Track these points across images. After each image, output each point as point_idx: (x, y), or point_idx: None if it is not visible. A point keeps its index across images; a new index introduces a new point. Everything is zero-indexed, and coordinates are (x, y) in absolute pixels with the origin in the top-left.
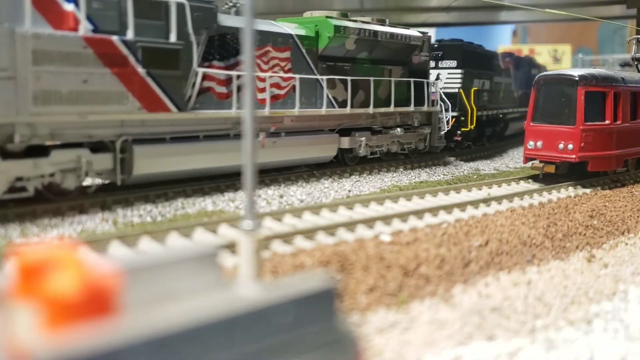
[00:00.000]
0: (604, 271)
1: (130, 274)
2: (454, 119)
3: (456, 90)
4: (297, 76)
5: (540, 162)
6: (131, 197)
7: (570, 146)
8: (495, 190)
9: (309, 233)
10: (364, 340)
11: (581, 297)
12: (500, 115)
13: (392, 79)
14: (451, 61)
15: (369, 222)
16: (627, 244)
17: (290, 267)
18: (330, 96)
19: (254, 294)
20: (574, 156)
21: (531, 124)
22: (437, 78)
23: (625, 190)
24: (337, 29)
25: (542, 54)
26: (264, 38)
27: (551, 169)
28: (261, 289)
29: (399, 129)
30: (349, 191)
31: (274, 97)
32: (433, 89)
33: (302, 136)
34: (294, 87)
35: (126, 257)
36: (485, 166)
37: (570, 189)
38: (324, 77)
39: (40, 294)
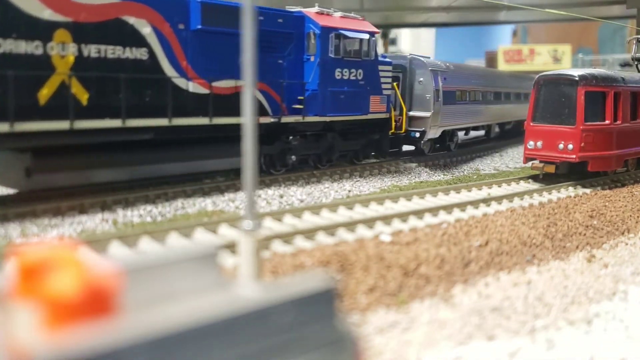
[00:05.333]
0: (604, 271)
1: (130, 274)
2: None
3: None
4: None
5: (540, 162)
6: (131, 197)
7: (570, 146)
8: (495, 190)
9: (309, 233)
10: (364, 340)
11: (581, 297)
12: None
13: None
14: None
15: (369, 222)
16: (627, 244)
17: (290, 267)
18: None
19: (254, 294)
20: (574, 156)
21: (531, 124)
22: None
23: (625, 190)
24: None
25: (542, 54)
26: None
27: (551, 169)
28: (261, 289)
29: None
30: (349, 191)
31: None
32: None
33: None
34: None
35: (126, 257)
36: (485, 166)
37: (570, 189)
38: None
39: (40, 294)
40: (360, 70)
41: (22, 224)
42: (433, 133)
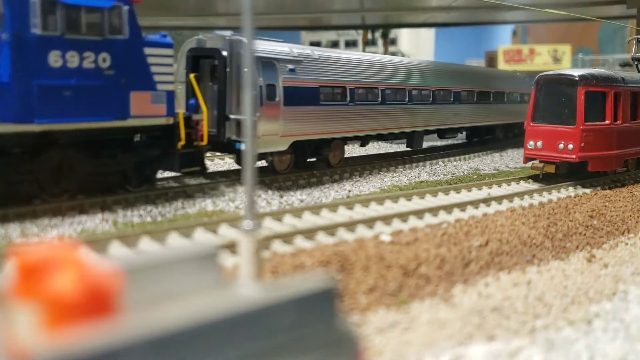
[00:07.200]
0: (604, 271)
1: (130, 274)
2: None
3: None
4: None
5: (540, 162)
6: (131, 197)
7: (571, 146)
8: (495, 190)
9: (309, 233)
10: (364, 340)
11: (581, 297)
12: None
13: None
14: None
15: (369, 222)
16: (627, 244)
17: (290, 267)
18: None
19: (254, 294)
20: (574, 156)
21: (531, 124)
22: None
23: (625, 190)
24: None
25: (542, 54)
26: None
27: (551, 169)
28: (261, 289)
29: None
30: (349, 191)
31: None
32: None
33: None
34: None
35: (126, 257)
36: (485, 166)
37: (570, 189)
38: None
39: (40, 294)
40: (105, 55)
41: (22, 224)
42: (269, 144)
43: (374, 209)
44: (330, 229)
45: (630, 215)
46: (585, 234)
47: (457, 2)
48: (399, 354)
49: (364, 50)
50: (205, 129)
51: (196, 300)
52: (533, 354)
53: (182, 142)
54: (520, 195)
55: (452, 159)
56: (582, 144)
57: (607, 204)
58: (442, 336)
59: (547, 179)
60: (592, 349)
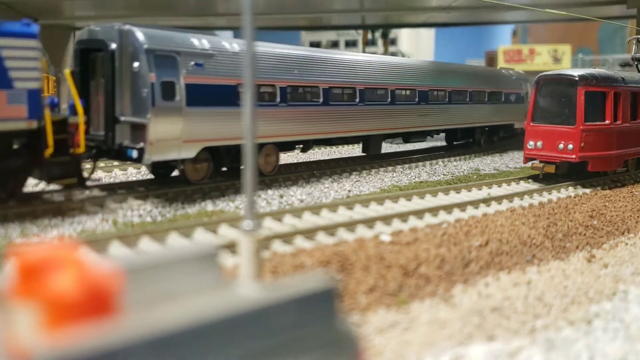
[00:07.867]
0: (604, 271)
1: (130, 274)
2: None
3: None
4: None
5: (540, 162)
6: (131, 197)
7: (570, 146)
8: (495, 190)
9: (309, 233)
10: (364, 340)
11: (581, 297)
12: None
13: None
14: None
15: (369, 222)
16: (627, 244)
17: (290, 267)
18: None
19: (254, 294)
20: (574, 156)
21: (531, 124)
22: None
23: (625, 190)
24: None
25: (542, 54)
26: None
27: (551, 169)
28: (261, 289)
29: None
30: (349, 191)
31: None
32: None
33: None
34: None
35: (126, 257)
36: (485, 166)
37: (570, 189)
38: None
39: (40, 294)
40: None
41: (22, 224)
42: (167, 151)
43: (374, 209)
44: (330, 229)
45: (630, 215)
46: (585, 234)
47: (457, 2)
48: (399, 354)
49: (363, 51)
50: (81, 133)
51: (196, 300)
52: (533, 354)
53: (50, 150)
54: (520, 195)
55: (452, 159)
56: (582, 144)
57: (607, 204)
58: (442, 336)
59: (547, 179)
60: (592, 349)
